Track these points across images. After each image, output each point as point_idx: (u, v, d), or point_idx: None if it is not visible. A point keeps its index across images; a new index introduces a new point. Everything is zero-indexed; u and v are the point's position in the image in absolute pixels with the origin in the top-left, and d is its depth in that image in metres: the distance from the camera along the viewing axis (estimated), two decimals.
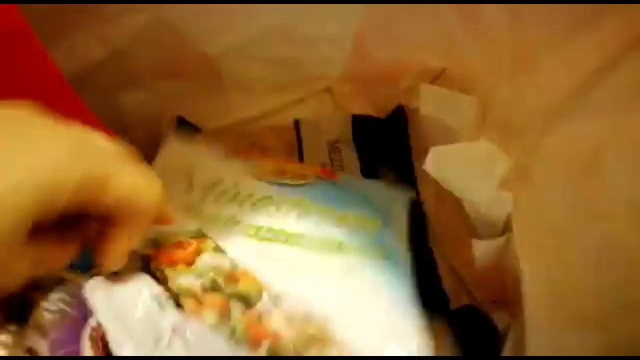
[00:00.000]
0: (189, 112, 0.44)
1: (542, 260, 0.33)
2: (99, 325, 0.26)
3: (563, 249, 0.32)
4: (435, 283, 0.40)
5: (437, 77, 0.36)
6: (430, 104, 0.37)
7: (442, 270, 0.40)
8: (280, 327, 0.28)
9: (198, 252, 0.30)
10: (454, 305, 0.39)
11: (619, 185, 0.29)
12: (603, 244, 0.31)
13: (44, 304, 0.26)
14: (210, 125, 0.43)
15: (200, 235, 0.32)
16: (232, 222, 0.34)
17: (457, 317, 0.38)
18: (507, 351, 0.35)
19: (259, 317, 0.28)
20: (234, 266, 0.30)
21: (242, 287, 0.29)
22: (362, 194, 0.37)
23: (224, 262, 0.30)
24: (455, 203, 0.36)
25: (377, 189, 0.36)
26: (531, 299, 0.33)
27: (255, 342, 0.27)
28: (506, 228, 0.35)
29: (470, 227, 0.36)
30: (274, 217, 0.35)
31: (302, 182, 0.37)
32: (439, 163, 0.35)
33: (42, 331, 0.26)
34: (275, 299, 0.29)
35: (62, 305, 0.26)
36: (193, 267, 0.30)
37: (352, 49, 0.38)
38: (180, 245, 0.31)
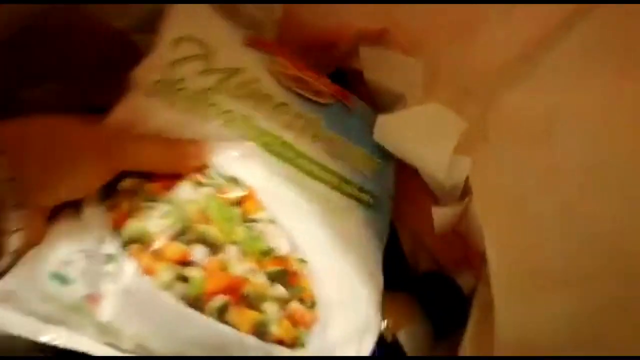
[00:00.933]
0: None
1: (504, 224, 0.32)
2: None
3: (523, 214, 0.31)
4: (396, 251, 0.39)
5: (377, 40, 0.33)
6: (372, 67, 0.34)
7: (402, 236, 0.39)
8: (245, 270, 0.28)
9: (179, 178, 0.28)
10: (415, 271, 0.39)
11: (573, 152, 0.28)
12: (562, 211, 0.30)
13: None
14: None
15: None
16: (247, 124, 0.30)
17: (421, 283, 0.37)
18: (474, 314, 0.35)
19: (221, 264, 0.27)
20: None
21: (212, 230, 0.28)
22: (369, 127, 0.35)
23: (200, 198, 0.28)
24: (413, 168, 0.34)
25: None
26: (495, 262, 0.32)
27: (209, 296, 0.26)
28: (465, 192, 0.33)
29: (429, 192, 0.35)
30: (288, 131, 0.32)
31: (320, 99, 0.34)
32: (388, 131, 0.33)
33: None
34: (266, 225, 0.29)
35: None
36: (167, 198, 0.28)
37: (282, 14, 0.34)
38: None
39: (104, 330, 0.25)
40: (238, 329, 0.27)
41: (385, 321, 0.34)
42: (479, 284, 0.35)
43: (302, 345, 0.28)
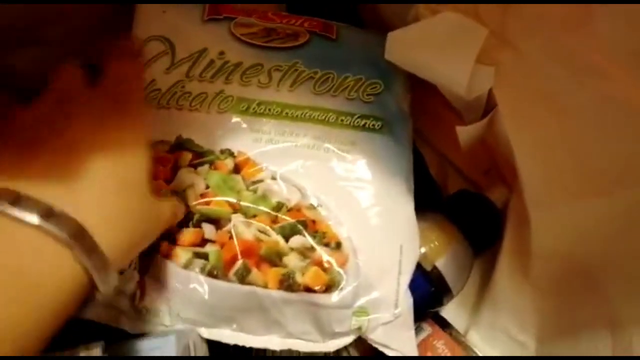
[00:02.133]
0: None
1: (535, 130, 0.30)
2: None
3: (557, 115, 0.29)
4: (424, 175, 0.37)
5: None
6: None
7: (429, 158, 0.37)
8: (258, 232, 0.29)
9: (176, 169, 0.29)
10: (445, 192, 0.37)
11: (615, 39, 0.25)
12: (599, 100, 0.28)
13: None
14: None
15: (177, 148, 0.30)
16: (221, 99, 0.31)
17: (452, 204, 0.36)
18: (509, 227, 0.34)
19: (230, 234, 0.28)
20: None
21: (212, 209, 0.29)
22: (362, 51, 0.33)
23: (198, 180, 0.29)
24: (431, 85, 0.32)
25: (379, 43, 0.31)
26: (527, 172, 0.31)
27: (229, 263, 0.28)
28: (490, 104, 0.31)
29: (451, 108, 0.33)
30: (266, 89, 0.31)
31: (294, 43, 0.32)
32: (400, 48, 0.30)
33: None
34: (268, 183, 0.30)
35: None
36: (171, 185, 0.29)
37: None
38: (159, 161, 0.29)
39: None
40: (265, 287, 0.27)
41: (423, 250, 0.33)
42: (513, 196, 0.34)
43: (338, 287, 0.28)
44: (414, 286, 0.32)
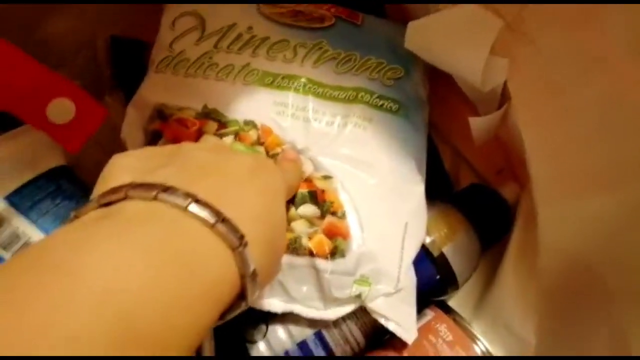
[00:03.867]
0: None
1: (546, 125, 0.31)
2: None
3: (566, 109, 0.29)
4: (438, 167, 0.38)
5: None
6: None
7: (443, 151, 0.38)
8: None
9: (200, 134, 0.31)
10: (457, 186, 0.38)
11: (618, 30, 0.25)
12: (607, 96, 0.28)
13: None
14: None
15: (204, 117, 0.31)
16: (247, 71, 0.32)
17: (464, 196, 0.37)
18: (518, 223, 0.34)
19: None
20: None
21: None
22: (385, 38, 0.34)
23: None
24: (449, 75, 0.33)
25: (401, 33, 0.32)
26: (537, 167, 0.31)
27: None
28: (504, 97, 0.32)
29: (467, 102, 0.34)
30: (291, 64, 0.33)
31: (320, 24, 0.34)
32: (419, 37, 0.32)
33: None
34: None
35: None
36: None
37: None
38: (183, 123, 0.31)
39: None
40: None
41: (431, 236, 0.34)
42: (523, 192, 0.34)
43: (341, 254, 0.29)
44: (419, 271, 0.33)
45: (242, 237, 0.19)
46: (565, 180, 0.31)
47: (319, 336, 0.32)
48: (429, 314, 0.33)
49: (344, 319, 0.32)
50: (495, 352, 0.32)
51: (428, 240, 0.33)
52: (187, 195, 0.19)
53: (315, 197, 0.30)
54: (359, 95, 0.32)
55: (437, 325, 0.32)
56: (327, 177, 0.30)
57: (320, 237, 0.29)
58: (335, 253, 0.29)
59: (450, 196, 0.36)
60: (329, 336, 0.32)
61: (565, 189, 0.31)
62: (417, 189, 0.32)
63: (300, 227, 0.29)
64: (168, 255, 0.17)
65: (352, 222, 0.30)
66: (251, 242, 0.20)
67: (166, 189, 0.19)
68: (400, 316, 0.30)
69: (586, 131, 0.29)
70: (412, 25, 0.32)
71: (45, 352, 0.13)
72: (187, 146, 0.24)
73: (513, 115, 0.31)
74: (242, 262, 0.19)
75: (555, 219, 0.31)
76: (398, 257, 0.30)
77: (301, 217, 0.30)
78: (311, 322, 0.32)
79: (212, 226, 0.19)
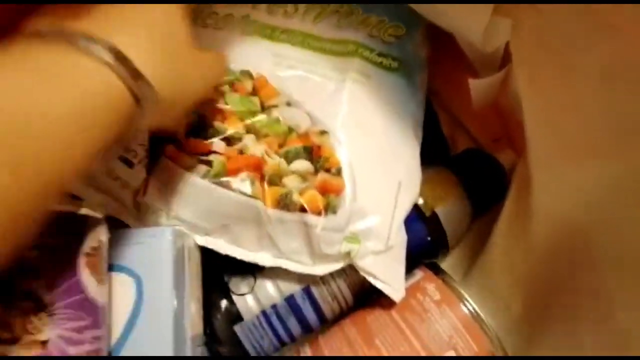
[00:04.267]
0: None
1: (545, 89, 0.30)
2: (94, 248, 0.26)
3: (566, 73, 0.29)
4: (435, 131, 0.38)
5: None
6: None
7: (441, 116, 0.38)
8: (263, 153, 0.30)
9: None
10: (454, 151, 0.38)
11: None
12: (609, 61, 0.28)
13: None
14: None
15: None
16: (247, 22, 0.32)
17: (461, 161, 0.37)
18: (512, 190, 0.34)
19: (240, 150, 0.29)
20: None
21: (226, 128, 0.30)
22: None
23: (217, 97, 0.31)
24: (450, 41, 0.32)
25: None
26: (534, 132, 0.31)
27: (232, 173, 0.29)
28: (505, 60, 0.31)
29: (468, 64, 0.33)
30: (291, 18, 0.33)
31: None
32: None
33: (33, 271, 0.24)
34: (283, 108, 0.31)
35: (45, 239, 0.24)
36: None
37: None
38: None
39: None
40: (263, 203, 0.29)
41: (424, 197, 0.34)
42: (519, 158, 0.34)
43: (333, 210, 0.29)
44: (411, 231, 0.33)
45: (116, 53, 0.21)
46: (562, 145, 0.30)
47: (307, 291, 0.32)
48: (419, 273, 0.33)
49: (332, 276, 0.32)
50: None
51: (421, 201, 0.33)
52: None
53: (310, 152, 0.30)
54: (359, 51, 0.32)
55: (426, 285, 0.32)
56: (323, 132, 0.30)
57: (313, 192, 0.29)
58: (326, 209, 0.29)
59: (445, 159, 0.36)
60: (317, 292, 0.33)
61: (562, 153, 0.31)
62: (412, 149, 0.32)
63: (292, 182, 0.29)
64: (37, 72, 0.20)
65: (346, 179, 0.30)
66: (139, 60, 0.21)
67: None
68: (388, 275, 0.30)
69: (586, 96, 0.29)
70: None
71: None
72: None
73: (513, 79, 0.31)
74: (126, 76, 0.21)
75: (550, 184, 0.31)
76: (390, 216, 0.30)
77: (293, 172, 0.30)
78: (300, 278, 0.32)
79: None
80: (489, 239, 0.35)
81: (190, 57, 0.25)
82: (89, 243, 0.26)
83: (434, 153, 0.34)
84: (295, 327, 0.33)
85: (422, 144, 0.34)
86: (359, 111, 0.31)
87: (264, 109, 0.31)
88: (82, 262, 0.25)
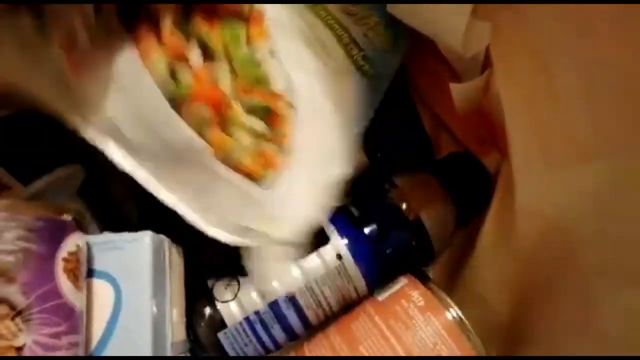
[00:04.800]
0: None
1: (527, 92, 0.30)
2: (71, 253, 0.25)
3: (548, 75, 0.29)
4: (419, 134, 0.38)
5: None
6: None
7: (425, 119, 0.38)
8: (230, 91, 0.27)
9: None
10: (438, 154, 0.38)
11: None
12: (591, 63, 0.28)
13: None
14: None
15: None
16: None
17: (444, 166, 0.36)
18: (497, 193, 0.34)
19: (211, 74, 0.27)
20: None
21: (209, 35, 0.27)
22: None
23: None
24: (432, 45, 0.32)
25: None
26: (516, 134, 0.31)
27: (192, 99, 0.26)
28: (486, 63, 0.31)
29: (450, 70, 0.33)
30: None
31: None
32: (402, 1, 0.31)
33: (8, 277, 0.24)
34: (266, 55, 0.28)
35: (21, 244, 0.24)
36: None
37: None
38: None
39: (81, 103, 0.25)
40: (209, 146, 0.27)
41: (407, 201, 0.34)
42: (504, 161, 0.34)
43: (268, 185, 0.28)
44: (394, 236, 0.32)
45: None
46: (544, 148, 0.30)
47: (291, 298, 0.32)
48: (402, 280, 0.33)
49: (317, 282, 0.32)
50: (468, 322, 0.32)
51: (404, 205, 0.33)
52: None
53: (269, 116, 0.28)
54: (350, 45, 0.32)
55: (410, 291, 0.32)
56: (291, 106, 0.29)
57: (256, 158, 0.28)
58: (261, 181, 0.28)
59: (430, 164, 0.36)
60: (302, 299, 0.32)
61: (544, 156, 0.30)
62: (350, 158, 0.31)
63: (242, 137, 0.27)
64: None
65: (291, 162, 0.29)
66: None
67: None
68: (279, 271, 0.30)
69: (568, 99, 0.29)
70: None
71: None
72: None
73: (495, 83, 0.31)
74: None
75: (533, 187, 0.31)
76: (314, 208, 0.30)
77: (247, 128, 0.28)
78: (284, 283, 0.32)
79: None
80: (474, 243, 0.34)
81: None
82: (67, 248, 0.26)
83: (418, 156, 0.34)
84: (279, 333, 0.33)
85: (406, 147, 0.34)
86: (327, 104, 0.30)
87: (248, 44, 0.28)
88: (59, 267, 0.25)
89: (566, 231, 0.30)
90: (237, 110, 0.27)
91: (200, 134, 0.26)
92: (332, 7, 0.32)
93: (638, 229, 0.27)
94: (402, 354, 0.31)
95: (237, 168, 0.27)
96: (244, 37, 0.28)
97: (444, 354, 0.31)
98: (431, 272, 0.37)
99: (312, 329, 0.34)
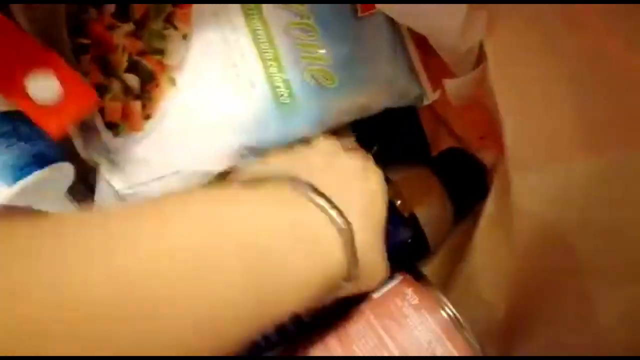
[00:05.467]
0: None
1: (521, 87, 0.30)
2: None
3: (542, 70, 0.28)
4: (417, 129, 0.38)
5: None
6: None
7: (423, 116, 0.38)
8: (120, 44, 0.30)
9: None
10: (436, 150, 0.37)
11: None
12: (585, 58, 0.27)
13: None
14: None
15: None
16: None
17: (442, 161, 0.36)
18: (494, 189, 0.33)
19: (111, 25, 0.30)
20: None
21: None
22: (374, 47, 0.33)
23: None
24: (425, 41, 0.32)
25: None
26: (512, 131, 0.30)
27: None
28: (481, 57, 0.31)
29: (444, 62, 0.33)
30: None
31: None
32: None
33: None
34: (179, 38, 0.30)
35: None
36: None
37: None
38: None
39: None
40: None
41: (402, 197, 0.33)
42: (500, 157, 0.34)
43: (119, 135, 0.30)
44: (389, 232, 0.32)
45: (348, 222, 0.23)
46: (539, 145, 0.30)
47: None
48: (398, 277, 0.32)
49: None
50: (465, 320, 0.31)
51: (399, 202, 0.33)
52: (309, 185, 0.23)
53: (149, 77, 0.30)
54: (271, 64, 0.31)
55: (404, 289, 0.31)
56: (173, 82, 0.30)
57: (119, 107, 0.30)
58: (116, 130, 0.30)
59: (426, 159, 0.36)
60: None
61: (539, 154, 0.30)
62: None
63: (114, 85, 0.30)
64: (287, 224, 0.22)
65: (147, 130, 0.30)
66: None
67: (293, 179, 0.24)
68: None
69: (562, 95, 0.28)
70: None
71: (192, 275, 0.17)
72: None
73: (489, 77, 0.31)
74: (347, 242, 0.23)
75: (529, 185, 0.30)
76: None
77: (122, 79, 0.30)
78: None
79: (324, 209, 0.23)
80: (471, 240, 0.34)
81: (379, 246, 0.27)
82: None
83: (413, 151, 0.33)
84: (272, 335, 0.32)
85: (401, 142, 0.33)
86: (218, 115, 0.31)
87: (167, 20, 0.30)
88: None
89: (562, 230, 0.29)
90: (120, 60, 0.30)
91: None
92: (274, 18, 0.31)
93: (632, 224, 0.27)
94: (396, 353, 0.30)
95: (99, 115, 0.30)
96: (165, 14, 0.30)
97: (438, 353, 0.30)
98: (427, 270, 0.36)
99: (303, 325, 0.33)
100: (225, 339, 0.18)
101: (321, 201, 0.23)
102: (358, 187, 0.27)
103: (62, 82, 0.26)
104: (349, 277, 0.24)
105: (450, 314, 0.31)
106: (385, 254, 0.29)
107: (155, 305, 0.16)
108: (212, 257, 0.18)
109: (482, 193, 0.34)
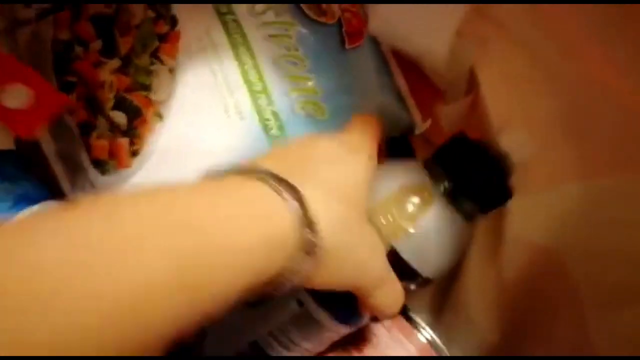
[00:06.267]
0: None
1: (513, 112, 0.29)
2: None
3: (533, 96, 0.28)
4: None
5: None
6: None
7: (415, 142, 0.37)
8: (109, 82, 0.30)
9: None
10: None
11: (588, 16, 0.24)
12: (576, 84, 0.27)
13: None
14: None
15: None
16: None
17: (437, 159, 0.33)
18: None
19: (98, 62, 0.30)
20: None
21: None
22: (359, 75, 0.32)
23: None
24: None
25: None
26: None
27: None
28: (472, 83, 0.31)
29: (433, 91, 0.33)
30: (251, 18, 0.31)
31: (322, 19, 0.31)
32: (383, 20, 0.30)
33: None
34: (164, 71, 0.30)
35: None
36: None
37: None
38: None
39: None
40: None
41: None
42: None
43: (105, 173, 0.30)
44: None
45: (297, 190, 0.22)
46: (532, 171, 0.30)
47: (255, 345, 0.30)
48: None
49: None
50: (457, 346, 0.31)
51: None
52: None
53: (135, 114, 0.30)
54: (260, 94, 0.31)
55: None
56: (160, 117, 0.30)
57: (106, 145, 0.30)
58: (103, 168, 0.30)
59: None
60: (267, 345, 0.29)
61: (532, 179, 0.30)
62: None
63: (101, 123, 0.30)
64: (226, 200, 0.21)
65: (135, 166, 0.29)
66: (322, 212, 0.22)
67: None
68: None
69: (554, 120, 0.28)
70: (374, 11, 0.30)
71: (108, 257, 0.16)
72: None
73: (482, 103, 0.30)
74: (296, 210, 0.21)
75: (522, 210, 0.30)
76: None
77: (109, 116, 0.30)
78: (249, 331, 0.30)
79: (263, 179, 0.22)
80: (461, 267, 0.33)
81: (360, 231, 0.25)
82: None
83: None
84: None
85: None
86: (206, 148, 0.30)
87: (155, 55, 0.30)
88: None
89: (555, 253, 0.29)
90: (107, 98, 0.30)
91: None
92: (261, 47, 0.31)
93: (627, 248, 0.26)
94: None
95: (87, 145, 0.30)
96: (151, 49, 0.30)
97: None
98: (421, 293, 0.35)
99: None
100: (148, 325, 0.17)
101: (265, 175, 0.22)
102: (339, 169, 0.25)
103: (33, 89, 0.28)
104: (306, 247, 0.22)
105: (428, 337, 0.30)
106: (382, 250, 0.27)
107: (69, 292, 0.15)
108: (132, 239, 0.17)
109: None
